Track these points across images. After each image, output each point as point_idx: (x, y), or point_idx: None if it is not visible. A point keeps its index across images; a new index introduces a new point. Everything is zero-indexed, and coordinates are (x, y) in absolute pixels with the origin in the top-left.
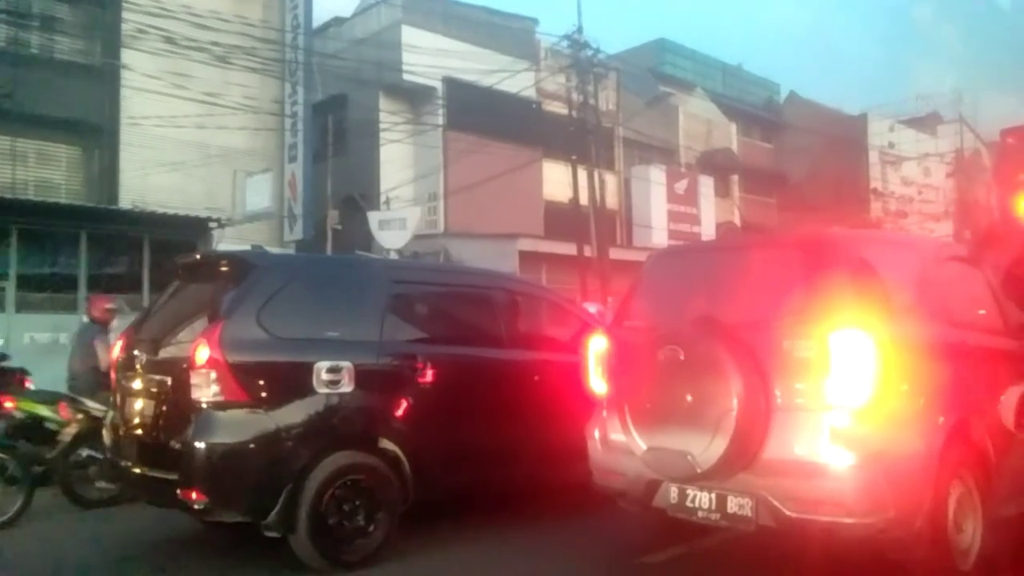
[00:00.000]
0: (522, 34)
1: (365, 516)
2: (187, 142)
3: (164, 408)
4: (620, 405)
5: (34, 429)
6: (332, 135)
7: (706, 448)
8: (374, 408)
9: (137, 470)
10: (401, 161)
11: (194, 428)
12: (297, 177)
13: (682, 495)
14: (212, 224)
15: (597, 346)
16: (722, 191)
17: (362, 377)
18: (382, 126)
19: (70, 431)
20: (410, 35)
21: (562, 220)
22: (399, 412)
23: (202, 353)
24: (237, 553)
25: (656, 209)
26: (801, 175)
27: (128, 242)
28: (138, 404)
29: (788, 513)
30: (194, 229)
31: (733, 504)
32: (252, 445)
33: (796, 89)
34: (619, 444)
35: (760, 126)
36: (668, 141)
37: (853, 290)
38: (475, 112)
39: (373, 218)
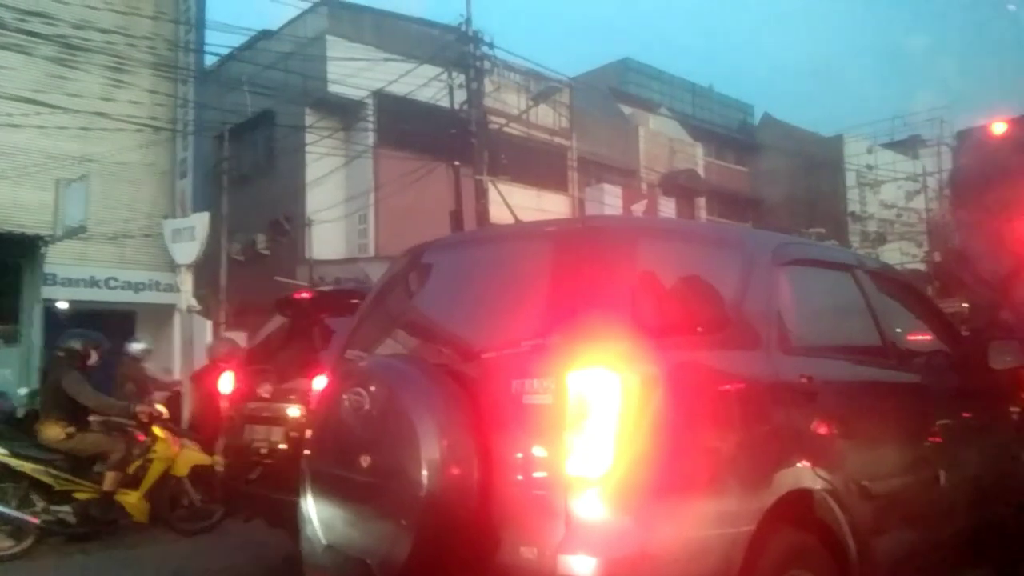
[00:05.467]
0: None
1: None
2: (60, 156)
3: (295, 434)
4: (303, 475)
5: None
6: (253, 155)
7: (391, 548)
8: None
9: (264, 493)
10: (331, 181)
11: None
12: (187, 195)
13: None
14: (41, 243)
15: (317, 388)
16: (688, 215)
17: None
18: (308, 144)
19: None
20: (336, 46)
21: None
22: None
23: None
24: None
25: None
26: (776, 199)
27: None
28: (264, 432)
29: None
30: (15, 247)
31: None
32: None
33: (771, 112)
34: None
35: (733, 149)
36: (628, 162)
37: (620, 305)
38: (409, 128)
39: (167, 226)
